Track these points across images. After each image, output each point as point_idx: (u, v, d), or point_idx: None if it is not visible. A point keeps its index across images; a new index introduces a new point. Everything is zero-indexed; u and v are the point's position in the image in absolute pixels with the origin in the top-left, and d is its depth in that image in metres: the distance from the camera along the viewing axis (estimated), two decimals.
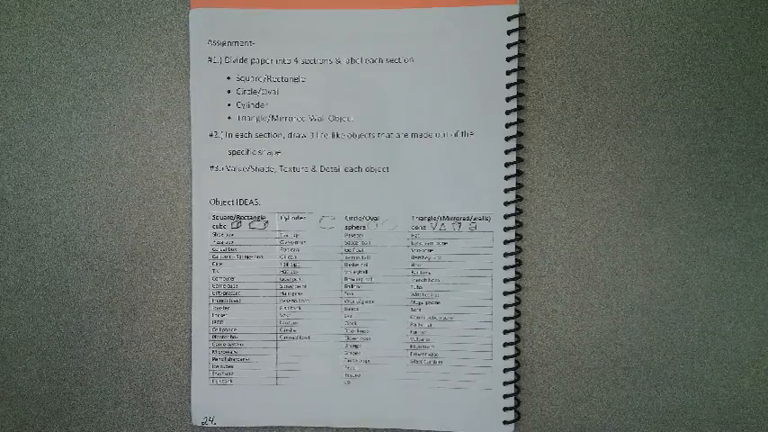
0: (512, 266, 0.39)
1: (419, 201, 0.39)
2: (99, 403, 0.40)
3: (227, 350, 0.40)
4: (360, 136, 0.39)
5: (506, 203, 0.39)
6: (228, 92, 0.39)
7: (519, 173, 0.39)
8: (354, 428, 0.40)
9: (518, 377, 0.40)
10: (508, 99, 0.39)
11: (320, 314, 0.40)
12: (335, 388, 0.40)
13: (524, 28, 0.39)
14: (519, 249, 0.39)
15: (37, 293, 0.40)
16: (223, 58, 0.39)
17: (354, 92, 0.39)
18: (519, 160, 0.39)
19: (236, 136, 0.39)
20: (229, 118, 0.39)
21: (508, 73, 0.39)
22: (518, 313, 0.40)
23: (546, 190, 0.40)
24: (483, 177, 0.39)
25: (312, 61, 0.39)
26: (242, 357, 0.40)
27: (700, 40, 0.39)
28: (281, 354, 0.40)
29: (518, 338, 0.40)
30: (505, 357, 0.39)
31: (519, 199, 0.39)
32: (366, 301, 0.40)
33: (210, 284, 0.39)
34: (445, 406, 0.39)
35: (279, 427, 0.40)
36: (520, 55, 0.39)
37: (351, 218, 0.39)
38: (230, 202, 0.39)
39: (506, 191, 0.39)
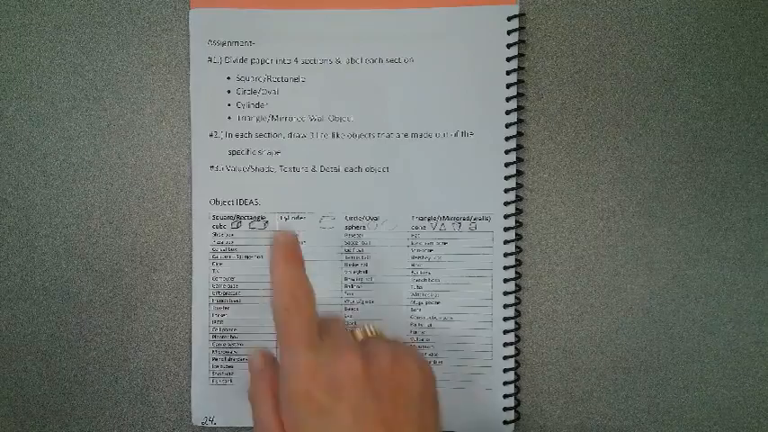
0: (512, 266, 0.39)
1: (419, 201, 0.39)
2: (99, 403, 0.40)
3: (227, 350, 0.40)
4: (360, 136, 0.39)
5: (506, 203, 0.39)
6: (228, 92, 0.39)
7: (519, 173, 0.39)
8: None
9: (518, 377, 0.40)
10: (508, 99, 0.39)
11: (320, 314, 0.39)
12: None
13: (524, 28, 0.39)
14: (519, 249, 0.39)
15: (37, 293, 0.40)
16: (223, 59, 0.39)
17: (354, 92, 0.39)
18: (519, 160, 0.39)
19: (236, 136, 0.39)
20: (229, 118, 0.39)
21: (508, 73, 0.39)
22: (518, 313, 0.40)
23: (546, 190, 0.40)
24: (483, 177, 0.39)
25: (312, 61, 0.39)
26: (242, 357, 0.40)
27: (700, 40, 0.39)
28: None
29: (518, 338, 0.40)
30: (505, 357, 0.39)
31: (519, 199, 0.39)
32: (366, 301, 0.40)
33: (210, 284, 0.39)
34: (445, 406, 0.39)
35: None
36: (520, 55, 0.39)
37: (351, 218, 0.39)
38: (230, 202, 0.39)
39: (506, 191, 0.39)
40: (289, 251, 0.30)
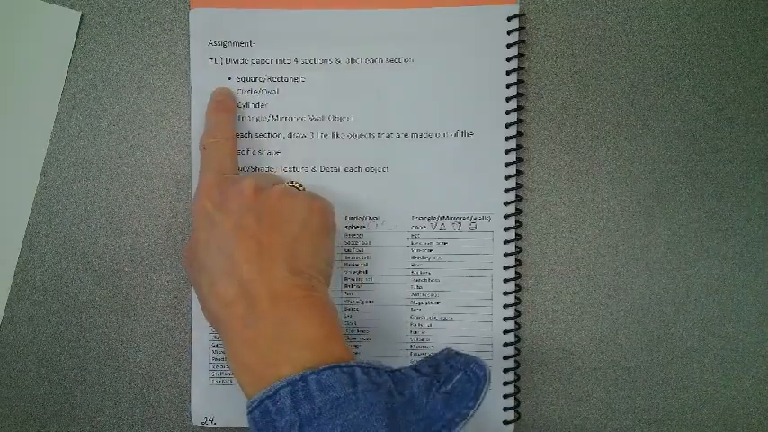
0: (512, 266, 0.39)
1: (419, 201, 0.39)
2: (99, 403, 0.40)
3: None
4: (360, 136, 0.39)
5: (506, 203, 0.39)
6: None
7: (519, 173, 0.39)
8: None
9: (518, 377, 0.40)
10: (508, 99, 0.39)
11: None
12: None
13: (524, 28, 0.39)
14: (519, 249, 0.39)
15: (37, 293, 0.40)
16: (223, 59, 0.39)
17: (354, 92, 0.39)
18: (519, 160, 0.39)
19: (236, 136, 0.39)
20: None
21: (508, 73, 0.39)
22: (518, 313, 0.40)
23: (546, 190, 0.40)
24: (483, 177, 0.39)
25: (312, 61, 0.39)
26: None
27: (700, 40, 0.39)
28: None
29: (518, 338, 0.40)
30: (505, 357, 0.39)
31: (519, 199, 0.39)
32: (366, 301, 0.40)
33: None
34: None
35: None
36: (520, 55, 0.39)
37: (351, 218, 0.39)
38: None
39: (506, 191, 0.39)
40: (221, 104, 0.37)
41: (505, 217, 0.39)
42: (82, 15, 0.39)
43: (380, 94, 0.39)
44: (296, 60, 0.39)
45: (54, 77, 0.39)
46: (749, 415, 0.40)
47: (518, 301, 0.40)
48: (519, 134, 0.39)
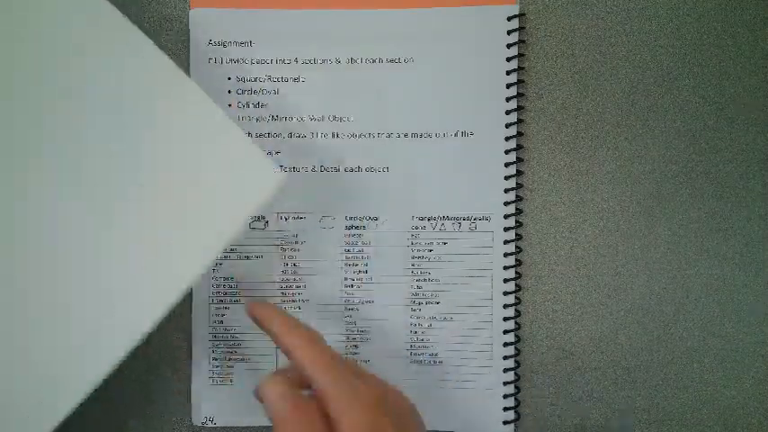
0: (512, 266, 0.39)
1: (419, 201, 0.39)
2: (99, 403, 0.40)
3: (227, 350, 0.40)
4: (360, 136, 0.39)
5: (506, 203, 0.39)
6: (229, 92, 0.39)
7: (519, 173, 0.39)
8: None
9: (518, 377, 0.40)
10: (508, 99, 0.39)
11: (320, 314, 0.40)
12: None
13: (524, 28, 0.39)
14: (519, 249, 0.39)
15: None
16: (223, 59, 0.39)
17: (354, 92, 0.39)
18: (519, 160, 0.39)
19: None
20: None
21: (508, 73, 0.39)
22: (518, 313, 0.40)
23: (546, 190, 0.40)
24: (483, 177, 0.39)
25: (312, 61, 0.39)
26: (242, 357, 0.40)
27: (700, 40, 0.39)
28: (282, 354, 0.39)
29: (518, 338, 0.40)
30: (505, 357, 0.39)
31: (519, 199, 0.39)
32: (366, 301, 0.40)
33: (211, 284, 0.39)
34: (445, 406, 0.39)
35: None
36: (520, 55, 0.39)
37: (351, 218, 0.39)
38: None
39: (506, 191, 0.39)
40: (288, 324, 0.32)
41: (505, 217, 0.39)
42: None
43: (380, 94, 0.39)
44: (296, 60, 0.39)
45: None
46: (749, 415, 0.40)
47: (518, 301, 0.40)
48: (519, 134, 0.39)
